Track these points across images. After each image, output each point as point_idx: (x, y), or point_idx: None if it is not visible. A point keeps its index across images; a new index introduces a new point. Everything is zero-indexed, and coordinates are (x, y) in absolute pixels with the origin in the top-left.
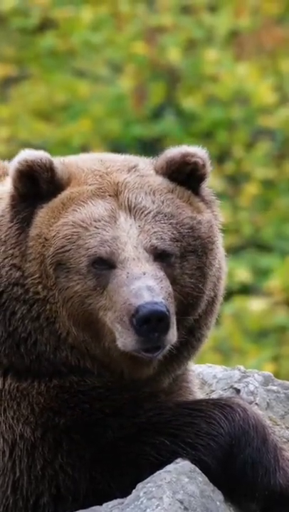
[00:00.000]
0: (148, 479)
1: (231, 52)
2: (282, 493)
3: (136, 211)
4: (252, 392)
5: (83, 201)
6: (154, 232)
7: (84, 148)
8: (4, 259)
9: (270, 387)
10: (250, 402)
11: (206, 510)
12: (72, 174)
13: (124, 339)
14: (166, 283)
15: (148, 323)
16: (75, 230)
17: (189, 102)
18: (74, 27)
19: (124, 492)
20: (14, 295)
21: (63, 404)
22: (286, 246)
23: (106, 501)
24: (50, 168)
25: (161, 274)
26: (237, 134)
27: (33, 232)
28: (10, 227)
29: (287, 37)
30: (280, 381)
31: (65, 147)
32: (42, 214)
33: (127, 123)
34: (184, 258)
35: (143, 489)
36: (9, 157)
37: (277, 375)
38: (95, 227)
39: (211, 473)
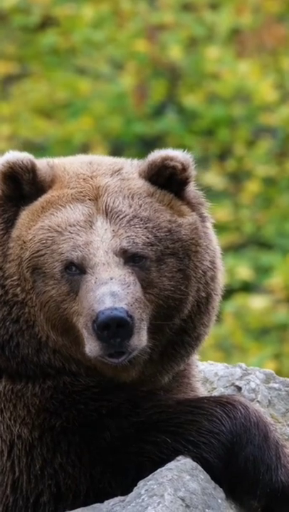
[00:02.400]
0: (149, 477)
1: (232, 50)
2: (284, 491)
3: (112, 215)
4: (253, 390)
5: (62, 205)
6: (127, 236)
7: (85, 146)
8: None
9: (271, 384)
10: (252, 400)
11: (208, 507)
12: (57, 177)
13: (90, 345)
14: (135, 288)
15: (107, 328)
16: (50, 234)
17: (190, 100)
18: (75, 25)
19: (125, 490)
20: None
21: (58, 406)
22: (287, 244)
23: (107, 499)
24: (31, 170)
25: (131, 279)
26: (238, 132)
27: (14, 233)
28: None
29: (288, 35)
30: (281, 379)
31: (67, 145)
32: (23, 216)
33: (128, 121)
34: (161, 261)
35: (144, 487)
36: None
37: (278, 372)
38: (70, 231)
39: (213, 471)
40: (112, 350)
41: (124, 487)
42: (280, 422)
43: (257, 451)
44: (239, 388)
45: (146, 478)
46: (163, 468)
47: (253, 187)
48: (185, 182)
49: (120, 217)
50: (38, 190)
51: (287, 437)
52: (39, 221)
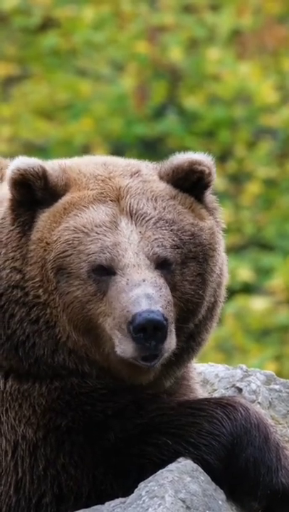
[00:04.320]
0: (150, 478)
1: (233, 51)
2: (285, 492)
3: (137, 217)
4: (254, 391)
5: (84, 206)
6: (155, 238)
7: (86, 148)
8: (5, 261)
9: (272, 386)
10: (253, 401)
11: (208, 509)
12: (71, 179)
13: (123, 346)
14: (166, 291)
15: (144, 331)
16: (76, 235)
17: (191, 101)
18: (76, 26)
19: (126, 492)
20: (14, 298)
21: (65, 406)
22: (288, 245)
23: (108, 501)
24: (42, 176)
25: (161, 281)
26: (239, 133)
27: (34, 236)
28: (11, 230)
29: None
30: (282, 380)
31: (67, 146)
32: (44, 218)
33: (128, 122)
34: (184, 265)
35: (145, 488)
36: (11, 156)
37: (279, 374)
38: (96, 232)
39: (213, 472)
40: (147, 352)
41: (126, 488)
42: (280, 424)
43: (257, 453)
44: (240, 390)
45: (147, 480)
46: (164, 469)
47: (253, 188)
48: (207, 186)
49: (146, 219)
50: (51, 195)
51: (287, 439)
52: (63, 222)
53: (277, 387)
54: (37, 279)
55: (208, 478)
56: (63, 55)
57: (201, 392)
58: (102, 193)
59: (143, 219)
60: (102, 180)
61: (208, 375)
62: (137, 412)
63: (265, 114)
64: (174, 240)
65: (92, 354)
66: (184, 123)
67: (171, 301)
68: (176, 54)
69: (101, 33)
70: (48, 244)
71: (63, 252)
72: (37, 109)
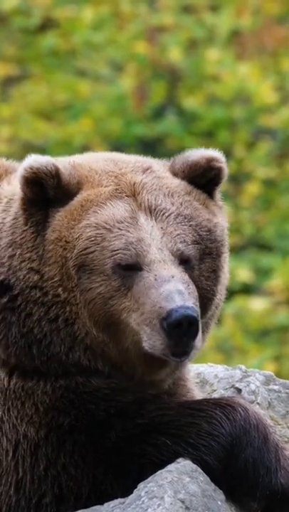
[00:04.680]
0: (149, 479)
1: (233, 51)
2: (284, 493)
3: (156, 212)
4: (253, 392)
5: (102, 202)
6: (177, 234)
7: (85, 148)
8: (21, 262)
9: (271, 386)
10: (252, 402)
11: (208, 509)
12: (83, 177)
13: (153, 342)
14: (193, 287)
15: (179, 327)
16: (98, 231)
17: (190, 102)
18: (75, 26)
19: (126, 492)
20: (32, 298)
21: (68, 404)
22: (287, 245)
23: (107, 501)
24: (55, 175)
25: (187, 277)
26: (238, 134)
27: (51, 235)
28: (25, 230)
29: (288, 36)
30: (281, 380)
31: (67, 147)
32: (60, 217)
33: (128, 122)
34: (201, 261)
35: (144, 489)
36: (11, 157)
37: (278, 374)
38: (119, 228)
39: (213, 473)
40: (179, 348)
41: (125, 489)
42: (279, 424)
43: (256, 454)
44: (239, 390)
45: (146, 481)
46: (163, 470)
47: (253, 189)
48: (219, 183)
49: (166, 214)
50: (64, 193)
51: (287, 439)
52: (83, 220)
53: (276, 387)
54: (56, 279)
55: (208, 478)
56: (63, 56)
57: (198, 393)
58: (117, 189)
59: (163, 214)
60: (115, 177)
61: (207, 376)
62: (137, 412)
63: (264, 115)
64: (193, 236)
65: (109, 350)
66: (184, 123)
67: (198, 298)
68: (175, 54)
69: (100, 33)
70: (67, 242)
71: (86, 249)
72: (36, 110)
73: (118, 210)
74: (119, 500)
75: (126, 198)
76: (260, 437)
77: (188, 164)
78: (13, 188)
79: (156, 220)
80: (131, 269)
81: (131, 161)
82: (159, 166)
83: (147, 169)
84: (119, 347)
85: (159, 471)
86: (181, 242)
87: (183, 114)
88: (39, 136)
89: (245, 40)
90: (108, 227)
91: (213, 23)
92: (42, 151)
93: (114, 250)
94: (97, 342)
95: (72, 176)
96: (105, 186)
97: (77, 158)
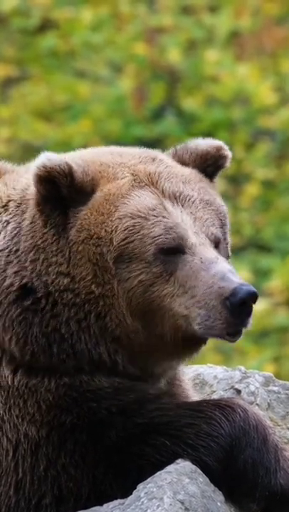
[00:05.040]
0: (149, 480)
1: (232, 52)
2: (283, 494)
3: (182, 199)
4: (253, 393)
5: (126, 194)
6: (206, 219)
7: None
8: (47, 267)
9: (270, 387)
10: (251, 403)
11: (207, 510)
12: (97, 172)
13: (211, 323)
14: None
15: (244, 305)
16: (134, 221)
17: (189, 103)
18: (74, 27)
19: (125, 493)
20: (63, 300)
21: (71, 403)
22: (287, 246)
23: (107, 502)
24: (68, 174)
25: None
26: (237, 135)
27: (78, 236)
28: (45, 233)
29: (287, 37)
30: (280, 382)
31: (66, 147)
32: (85, 216)
33: (127, 123)
34: (220, 245)
35: (144, 490)
36: (10, 158)
37: (278, 375)
38: (153, 215)
39: (212, 474)
40: (240, 327)
41: (125, 489)
42: (279, 425)
43: (256, 454)
44: (238, 391)
45: (145, 481)
46: (162, 471)
47: (252, 190)
48: (223, 169)
49: (190, 200)
50: (78, 191)
51: (286, 440)
52: (113, 213)
53: (275, 388)
54: (89, 277)
55: (207, 479)
56: (62, 57)
57: (192, 393)
58: (135, 180)
59: (188, 200)
60: (128, 168)
61: (206, 377)
62: (138, 411)
63: (263, 116)
64: (217, 220)
65: (138, 338)
66: (183, 124)
67: None
68: (174, 55)
69: (99, 34)
70: (100, 238)
71: (124, 239)
72: (36, 111)
73: (146, 199)
74: (119, 501)
75: (146, 187)
76: (259, 438)
77: (198, 154)
78: (20, 191)
79: (182, 206)
80: (173, 253)
81: (136, 153)
82: (164, 156)
83: (155, 159)
84: (153, 333)
85: (159, 472)
86: (211, 225)
87: (182, 115)
88: (38, 137)
89: (245, 41)
90: (143, 215)
91: (212, 23)
92: (41, 152)
93: (155, 236)
94: (128, 331)
95: (86, 173)
96: (122, 178)
97: (85, 153)
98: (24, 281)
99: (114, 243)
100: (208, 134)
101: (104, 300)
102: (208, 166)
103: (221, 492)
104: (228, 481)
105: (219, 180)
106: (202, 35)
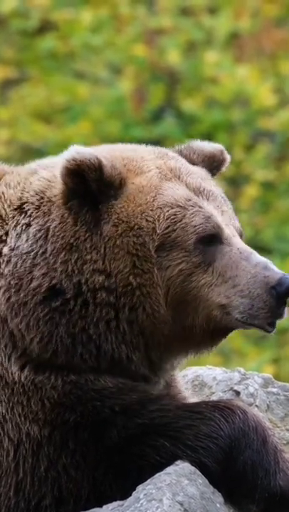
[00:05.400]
0: (148, 481)
1: (231, 54)
2: (283, 495)
3: (206, 193)
4: (252, 394)
5: (158, 185)
6: (230, 213)
7: None
8: (82, 265)
9: (270, 389)
10: (250, 404)
11: None
12: (122, 166)
13: (255, 311)
14: None
15: (288, 295)
16: (174, 210)
17: (189, 104)
18: (74, 29)
19: (124, 494)
20: (96, 300)
21: (76, 401)
22: (286, 248)
23: (106, 503)
24: (98, 168)
25: None
26: (237, 136)
27: (116, 230)
28: (76, 231)
29: (287, 39)
30: (280, 383)
31: (65, 149)
32: (122, 209)
33: (126, 125)
34: (242, 238)
35: (143, 491)
36: (9, 159)
37: (277, 377)
38: (191, 205)
39: (211, 475)
40: (280, 316)
41: (124, 491)
42: (278, 427)
43: (255, 456)
44: (238, 393)
45: (144, 483)
46: (161, 472)
47: (251, 191)
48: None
49: (213, 195)
50: (107, 185)
51: (285, 442)
52: (152, 203)
53: (275, 390)
54: (127, 269)
55: (206, 481)
56: (61, 58)
57: (187, 394)
58: (160, 173)
59: (211, 195)
60: (151, 161)
61: (206, 378)
62: (139, 411)
63: (263, 117)
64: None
65: (165, 329)
66: (182, 126)
67: None
68: (174, 57)
69: (99, 35)
70: (141, 228)
71: (167, 227)
72: (35, 112)
73: (178, 189)
74: (118, 502)
75: (173, 179)
76: (258, 440)
77: (205, 155)
78: (34, 193)
79: (208, 200)
80: (213, 242)
81: (148, 149)
82: (173, 153)
83: (168, 155)
84: (182, 324)
85: (158, 474)
86: (236, 219)
87: (181, 117)
88: (38, 139)
89: (244, 42)
90: (182, 205)
91: (211, 25)
92: (40, 153)
93: (196, 225)
94: (158, 321)
95: (114, 167)
96: (148, 171)
97: (107, 148)
98: (53, 282)
99: (158, 231)
100: (207, 135)
101: (141, 290)
102: (214, 167)
103: (220, 493)
104: (228, 482)
105: (218, 182)
106: (201, 37)
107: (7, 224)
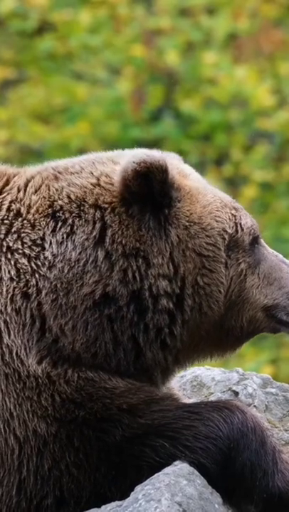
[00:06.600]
0: (146, 481)
1: (230, 55)
2: (281, 496)
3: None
4: (250, 395)
5: (206, 187)
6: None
7: (82, 151)
8: (147, 270)
9: (268, 389)
10: (249, 405)
11: None
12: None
13: None
14: None
15: None
16: (232, 211)
17: (188, 105)
18: (72, 30)
19: (123, 494)
20: (158, 306)
21: (86, 397)
22: (285, 249)
23: (105, 504)
24: (165, 170)
25: None
26: (235, 137)
27: (187, 232)
28: (142, 236)
29: (285, 40)
30: (278, 383)
31: (64, 150)
32: (188, 212)
33: (125, 126)
34: None
35: (142, 491)
36: (8, 160)
37: (275, 377)
38: (238, 207)
39: (210, 476)
40: None
41: (123, 491)
42: (277, 427)
43: (254, 457)
44: (236, 393)
45: (143, 483)
46: (160, 473)
47: (250, 192)
48: None
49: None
50: (170, 187)
51: (284, 442)
52: (213, 203)
53: (273, 390)
54: (196, 271)
55: (205, 481)
56: (60, 59)
57: (181, 395)
58: (194, 176)
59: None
60: (179, 162)
61: (204, 379)
62: (143, 411)
63: (261, 118)
64: None
65: (207, 331)
66: (181, 127)
67: None
68: (172, 58)
69: (97, 36)
70: (213, 228)
71: (233, 227)
72: (33, 113)
73: (218, 191)
74: (117, 503)
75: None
76: (257, 440)
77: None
78: (68, 199)
79: None
80: (256, 244)
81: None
82: None
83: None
84: (226, 324)
85: (156, 474)
86: None
87: (180, 118)
88: (36, 140)
89: (242, 43)
90: (234, 206)
91: (210, 26)
92: (39, 154)
93: (250, 226)
94: (209, 321)
95: (173, 169)
96: (189, 174)
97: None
98: (107, 289)
99: (228, 231)
100: (205, 136)
101: (205, 289)
102: None
103: (218, 494)
104: (226, 483)
105: (217, 183)
106: (200, 38)
107: (39, 230)
